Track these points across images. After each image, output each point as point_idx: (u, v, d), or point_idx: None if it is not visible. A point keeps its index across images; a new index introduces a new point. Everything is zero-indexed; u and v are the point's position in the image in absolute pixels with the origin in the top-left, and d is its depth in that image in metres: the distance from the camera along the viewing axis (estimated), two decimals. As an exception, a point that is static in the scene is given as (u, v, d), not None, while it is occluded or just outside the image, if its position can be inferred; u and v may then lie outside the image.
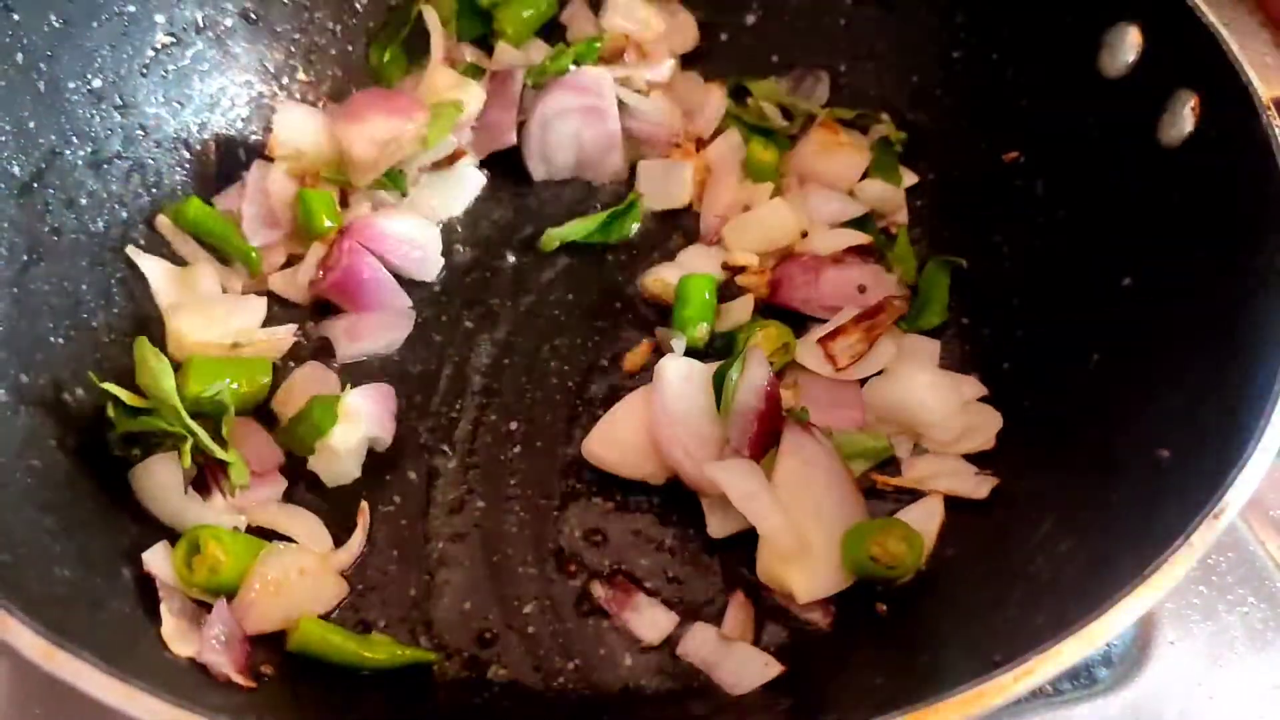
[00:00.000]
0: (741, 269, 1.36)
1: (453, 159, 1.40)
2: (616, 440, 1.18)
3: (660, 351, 1.27)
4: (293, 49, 1.46)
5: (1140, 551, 0.83)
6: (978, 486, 1.15)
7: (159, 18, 1.32)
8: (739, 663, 1.06)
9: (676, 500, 1.17)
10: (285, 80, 1.46)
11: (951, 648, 0.99)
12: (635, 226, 1.42)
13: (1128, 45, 1.18)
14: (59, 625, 0.77)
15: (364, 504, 1.16)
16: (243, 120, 1.42)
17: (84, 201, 1.23)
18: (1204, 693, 1.13)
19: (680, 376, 1.16)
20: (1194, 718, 1.11)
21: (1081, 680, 1.13)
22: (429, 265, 1.37)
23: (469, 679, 1.07)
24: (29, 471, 1.03)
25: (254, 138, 1.42)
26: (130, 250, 1.27)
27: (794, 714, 1.00)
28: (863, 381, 1.25)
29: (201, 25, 1.37)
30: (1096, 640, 0.76)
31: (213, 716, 0.71)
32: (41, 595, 0.85)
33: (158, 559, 1.04)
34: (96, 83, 1.26)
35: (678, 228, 1.43)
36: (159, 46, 1.33)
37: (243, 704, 0.74)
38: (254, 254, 1.32)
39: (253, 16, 1.42)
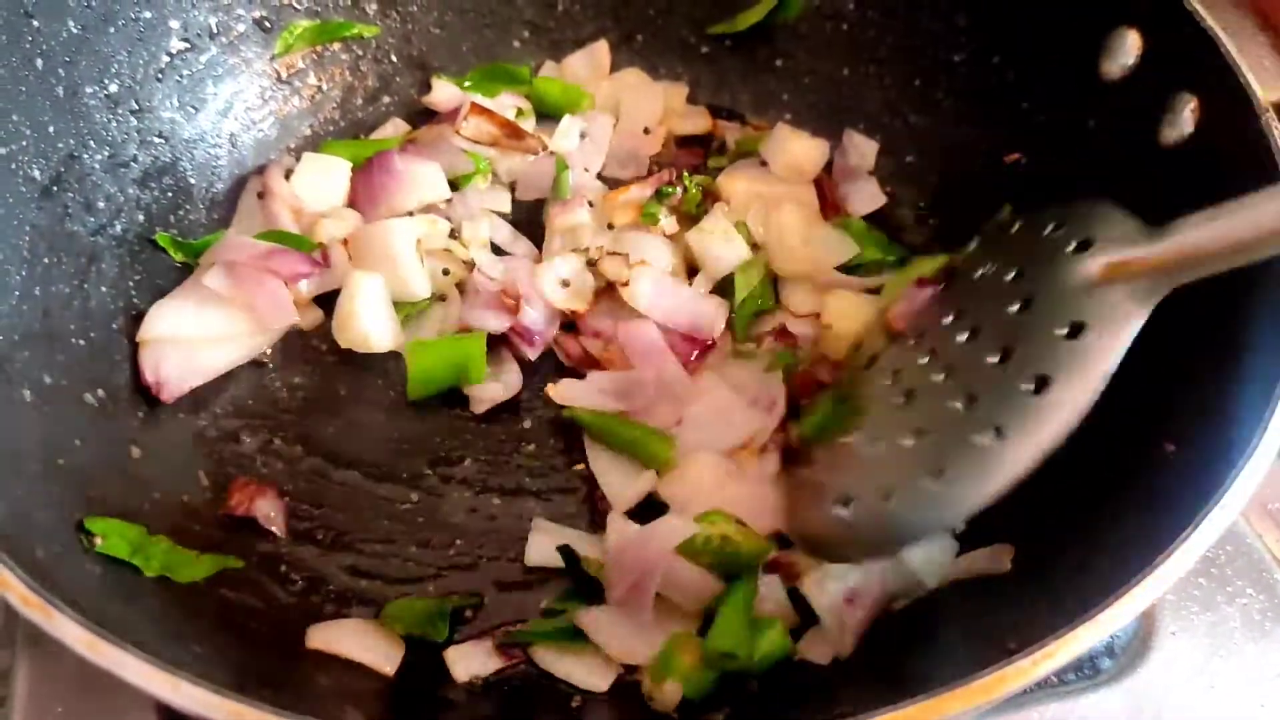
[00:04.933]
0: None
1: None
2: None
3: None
4: (304, 55, 1.48)
5: (1149, 542, 0.85)
6: (995, 560, 1.11)
7: (174, 23, 1.34)
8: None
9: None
10: (297, 84, 1.48)
11: (966, 640, 1.01)
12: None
13: (1127, 48, 1.20)
14: (99, 618, 0.78)
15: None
16: (255, 124, 1.44)
17: (102, 205, 1.24)
18: (1204, 682, 1.14)
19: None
20: (1195, 707, 1.13)
21: (1085, 671, 1.15)
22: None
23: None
24: (56, 470, 1.04)
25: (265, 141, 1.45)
26: None
27: (811, 703, 1.02)
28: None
29: (215, 31, 1.39)
30: (1111, 626, 0.77)
31: (255, 705, 0.72)
32: (78, 589, 0.87)
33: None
34: (113, 87, 1.27)
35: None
36: (174, 52, 1.35)
37: (288, 697, 0.75)
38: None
39: (266, 24, 1.44)
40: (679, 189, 1.41)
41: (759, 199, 1.43)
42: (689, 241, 1.38)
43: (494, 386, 1.29)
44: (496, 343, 1.31)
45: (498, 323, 1.31)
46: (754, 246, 1.39)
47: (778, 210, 1.41)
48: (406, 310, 1.33)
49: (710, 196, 1.45)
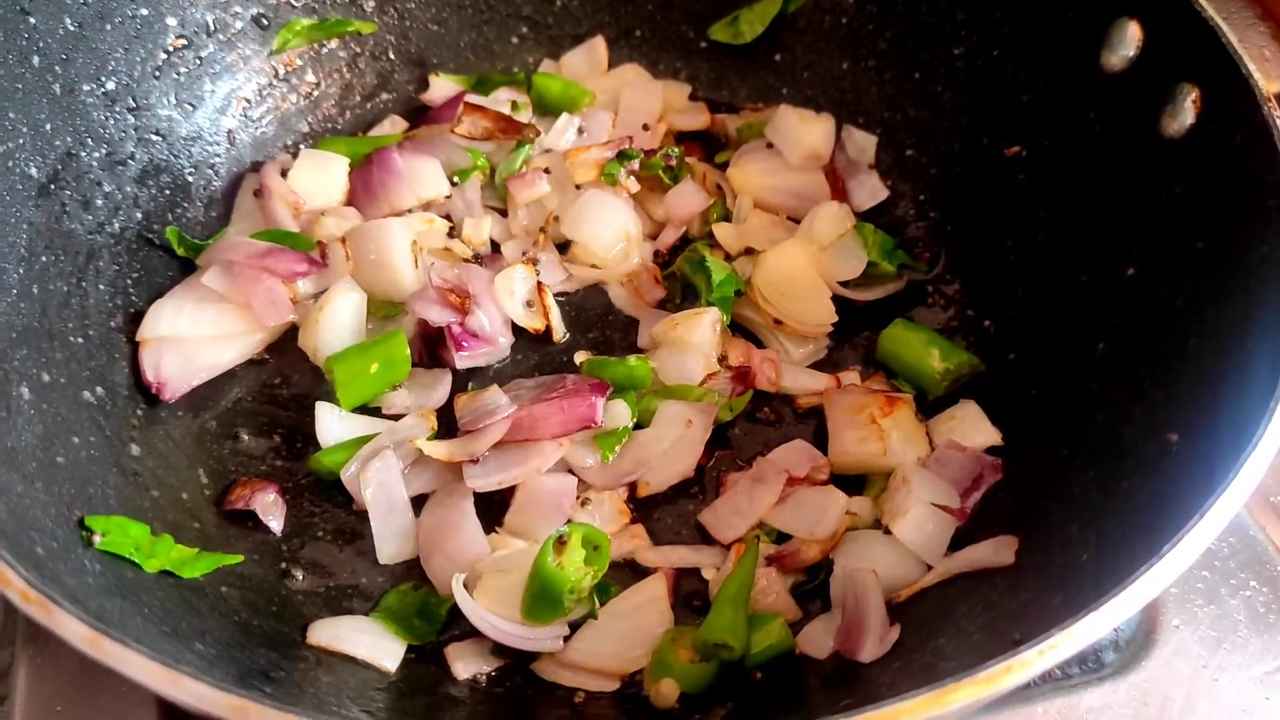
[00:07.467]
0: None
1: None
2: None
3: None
4: (302, 52, 1.48)
5: (1153, 533, 0.84)
6: (999, 552, 1.11)
7: (171, 20, 1.34)
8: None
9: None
10: (295, 81, 1.48)
11: (970, 631, 1.00)
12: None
13: (1128, 40, 1.20)
14: (98, 614, 0.78)
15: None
16: (253, 122, 1.44)
17: (99, 203, 1.24)
18: (1208, 675, 1.14)
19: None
20: (1199, 699, 1.12)
21: (1089, 664, 1.14)
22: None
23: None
24: (55, 467, 1.04)
25: (263, 139, 1.45)
26: None
27: (814, 697, 1.02)
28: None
29: (212, 28, 1.39)
30: (1116, 617, 0.77)
31: (258, 700, 0.72)
32: (78, 586, 0.86)
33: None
34: (110, 85, 1.27)
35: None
36: (171, 49, 1.35)
37: (283, 691, 0.75)
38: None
39: (264, 21, 1.44)
40: (641, 154, 1.42)
41: (751, 243, 1.41)
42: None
43: (402, 395, 1.27)
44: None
45: (439, 315, 1.29)
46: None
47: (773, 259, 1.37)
48: (387, 311, 1.33)
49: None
